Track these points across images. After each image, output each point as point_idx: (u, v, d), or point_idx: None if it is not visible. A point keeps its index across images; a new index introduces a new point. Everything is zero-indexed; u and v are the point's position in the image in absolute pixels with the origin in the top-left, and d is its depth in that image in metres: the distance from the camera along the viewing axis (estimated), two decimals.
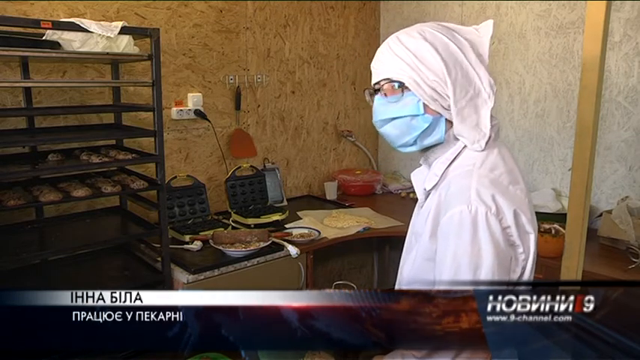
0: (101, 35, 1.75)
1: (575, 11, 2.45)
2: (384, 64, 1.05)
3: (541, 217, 2.24)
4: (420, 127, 1.04)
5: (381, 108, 1.07)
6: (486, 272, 0.93)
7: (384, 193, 3.22)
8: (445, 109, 1.03)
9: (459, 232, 0.94)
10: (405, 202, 3.03)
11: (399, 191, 3.19)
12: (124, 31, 1.78)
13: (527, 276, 1.01)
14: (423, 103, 1.02)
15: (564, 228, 1.36)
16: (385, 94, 1.06)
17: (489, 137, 1.03)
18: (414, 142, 1.07)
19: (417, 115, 1.03)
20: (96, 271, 2.02)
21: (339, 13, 3.16)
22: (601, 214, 2.22)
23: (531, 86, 2.66)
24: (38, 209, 2.05)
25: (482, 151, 1.03)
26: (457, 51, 1.01)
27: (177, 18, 2.44)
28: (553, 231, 2.09)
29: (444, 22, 1.07)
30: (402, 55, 1.01)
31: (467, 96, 1.01)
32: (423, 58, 1.00)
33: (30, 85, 1.99)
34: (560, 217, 2.09)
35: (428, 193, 1.10)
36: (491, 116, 1.07)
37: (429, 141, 1.06)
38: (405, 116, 1.04)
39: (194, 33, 2.52)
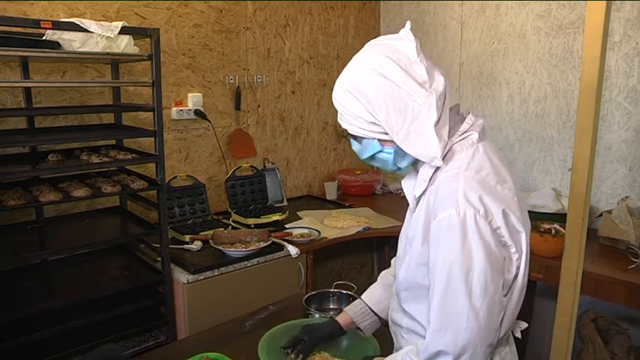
0: (101, 35, 1.74)
1: (575, 11, 2.45)
2: (339, 116, 1.11)
3: (541, 217, 2.25)
4: (388, 159, 1.08)
5: (357, 150, 1.14)
6: (478, 275, 0.93)
7: (384, 193, 3.22)
8: None
9: (449, 236, 0.95)
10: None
11: (399, 191, 3.19)
12: (124, 31, 1.78)
13: (521, 274, 1.01)
14: (379, 139, 1.06)
15: (564, 228, 1.36)
16: (355, 139, 1.12)
17: (445, 149, 1.02)
18: (397, 168, 1.11)
19: (380, 151, 1.08)
20: (96, 271, 2.02)
21: (339, 13, 3.16)
22: (601, 214, 2.22)
23: (531, 86, 2.66)
24: (38, 209, 2.05)
25: (465, 154, 1.03)
26: (383, 82, 1.00)
27: (177, 18, 2.44)
28: (553, 231, 2.09)
29: (373, 40, 1.09)
30: (342, 111, 1.08)
31: (406, 122, 1.01)
32: (353, 109, 1.04)
33: (30, 85, 1.99)
34: (560, 217, 2.09)
35: (419, 199, 1.10)
36: (474, 115, 1.08)
37: (405, 163, 1.10)
38: (374, 154, 1.09)
39: (194, 33, 2.52)
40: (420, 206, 1.08)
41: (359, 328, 1.36)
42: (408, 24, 1.07)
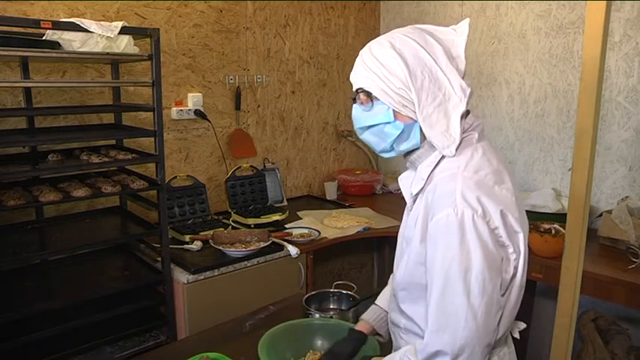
0: (101, 35, 1.74)
1: (575, 11, 2.45)
2: (357, 74, 1.08)
3: (541, 217, 2.25)
4: (393, 134, 1.06)
5: (358, 116, 1.11)
6: (476, 275, 0.93)
7: (384, 193, 3.22)
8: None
9: (447, 235, 0.94)
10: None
11: (399, 191, 3.18)
12: (124, 31, 1.78)
13: (519, 275, 1.01)
14: (394, 111, 1.04)
15: (564, 228, 1.36)
16: (361, 103, 1.08)
17: (461, 141, 1.02)
18: (391, 148, 1.09)
19: (389, 123, 1.05)
20: (96, 271, 2.02)
21: (339, 13, 3.16)
22: (601, 214, 2.22)
23: (531, 86, 2.66)
24: (38, 209, 2.05)
25: (463, 154, 1.02)
26: (426, 56, 1.01)
27: (177, 18, 2.44)
28: (553, 231, 2.09)
29: (421, 25, 1.08)
30: (371, 65, 1.04)
31: (435, 101, 1.01)
32: (388, 67, 1.01)
33: (30, 85, 1.99)
34: (560, 217, 2.09)
35: (415, 197, 1.10)
36: (474, 117, 1.08)
37: (405, 146, 1.08)
38: (378, 124, 1.07)
39: (194, 33, 2.52)
40: (418, 204, 1.08)
41: (379, 334, 1.34)
42: (468, 20, 1.07)
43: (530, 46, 2.64)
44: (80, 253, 2.06)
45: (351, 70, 1.10)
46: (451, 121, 1.02)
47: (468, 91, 1.02)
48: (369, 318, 1.35)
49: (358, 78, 1.07)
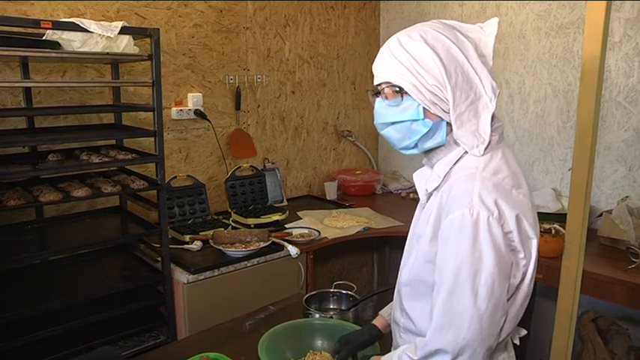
0: (101, 35, 1.74)
1: (575, 11, 2.45)
2: (385, 66, 1.03)
3: (541, 217, 2.22)
4: (420, 132, 1.03)
5: (382, 111, 1.06)
6: (486, 277, 0.92)
7: (384, 193, 3.22)
8: (446, 112, 1.01)
9: (460, 235, 0.93)
10: (405, 202, 3.04)
11: (399, 191, 3.19)
12: (124, 31, 1.78)
13: (527, 281, 1.00)
14: (423, 108, 1.01)
15: (564, 228, 1.36)
16: (386, 97, 1.05)
17: (489, 142, 1.01)
18: (415, 146, 1.06)
19: (417, 120, 1.02)
20: (96, 271, 2.02)
21: (339, 13, 3.16)
22: (601, 214, 2.22)
23: (531, 86, 2.66)
24: (38, 209, 2.05)
25: (483, 155, 1.01)
26: (459, 54, 0.99)
27: (177, 18, 2.44)
28: (553, 231, 2.09)
29: (447, 20, 1.06)
30: (402, 59, 0.99)
31: (467, 100, 0.99)
32: (422, 63, 0.98)
33: (30, 85, 2.00)
34: (560, 217, 2.09)
35: (430, 195, 1.09)
36: (496, 118, 1.06)
37: (429, 144, 1.05)
38: (405, 121, 1.03)
39: (194, 33, 2.52)
40: (431, 202, 1.06)
41: None
42: (497, 20, 1.05)
43: (530, 46, 2.64)
44: (80, 253, 2.07)
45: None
46: (481, 120, 1.00)
47: (498, 91, 1.01)
48: (384, 313, 1.35)
49: (386, 71, 1.02)
